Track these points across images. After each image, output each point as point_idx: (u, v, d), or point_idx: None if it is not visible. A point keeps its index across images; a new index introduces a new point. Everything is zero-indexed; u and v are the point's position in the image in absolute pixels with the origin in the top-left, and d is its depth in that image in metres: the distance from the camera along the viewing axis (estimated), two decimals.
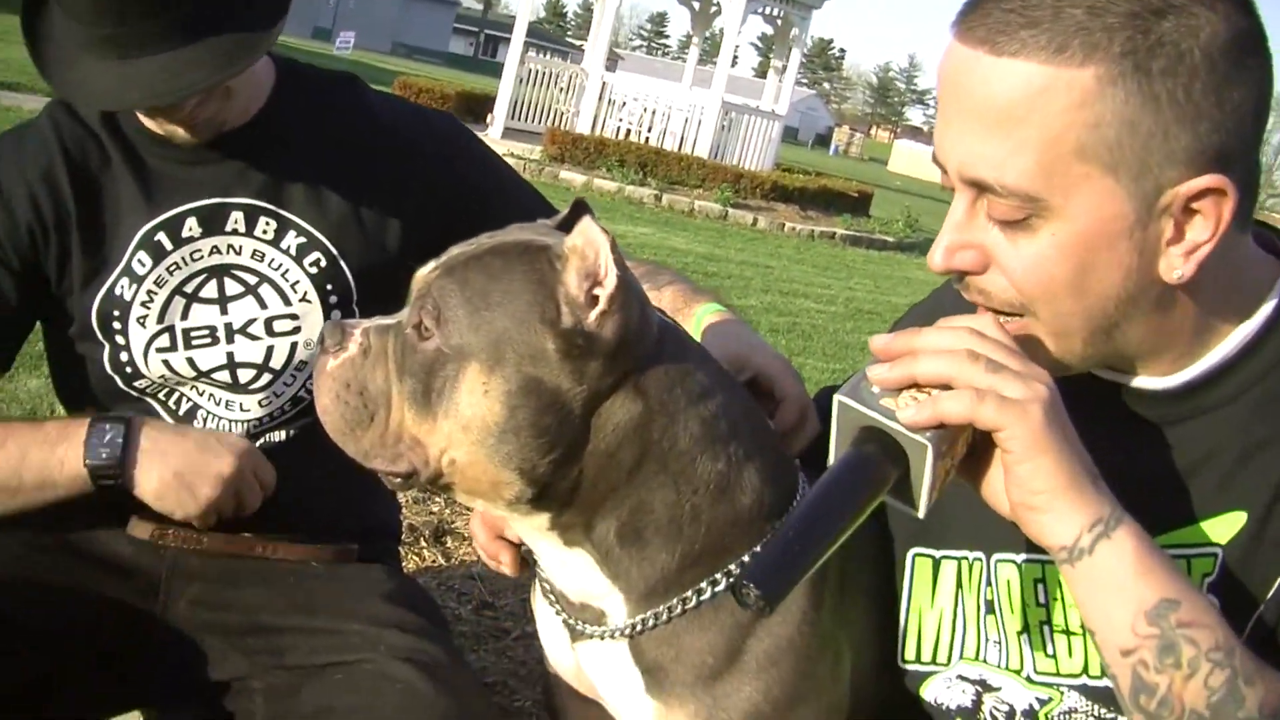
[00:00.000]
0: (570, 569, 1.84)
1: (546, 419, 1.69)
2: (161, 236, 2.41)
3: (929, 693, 1.91)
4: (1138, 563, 1.49)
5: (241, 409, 2.49)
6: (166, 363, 2.44)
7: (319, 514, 2.54)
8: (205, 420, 2.49)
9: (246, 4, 2.23)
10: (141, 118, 2.34)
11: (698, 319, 2.17)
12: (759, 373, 2.07)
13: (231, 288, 2.45)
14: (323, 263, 2.46)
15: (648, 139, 24.85)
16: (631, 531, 1.77)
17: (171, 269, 2.42)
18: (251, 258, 2.45)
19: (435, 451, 1.73)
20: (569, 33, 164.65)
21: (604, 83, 25.46)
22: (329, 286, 2.47)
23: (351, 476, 2.59)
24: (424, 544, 4.40)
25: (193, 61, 2.16)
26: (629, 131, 25.25)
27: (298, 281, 2.46)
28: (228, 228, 2.44)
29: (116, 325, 2.41)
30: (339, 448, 2.39)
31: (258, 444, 2.50)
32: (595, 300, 1.69)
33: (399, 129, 2.56)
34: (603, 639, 1.86)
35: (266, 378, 2.48)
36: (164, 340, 2.43)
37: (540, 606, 2.01)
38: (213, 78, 2.18)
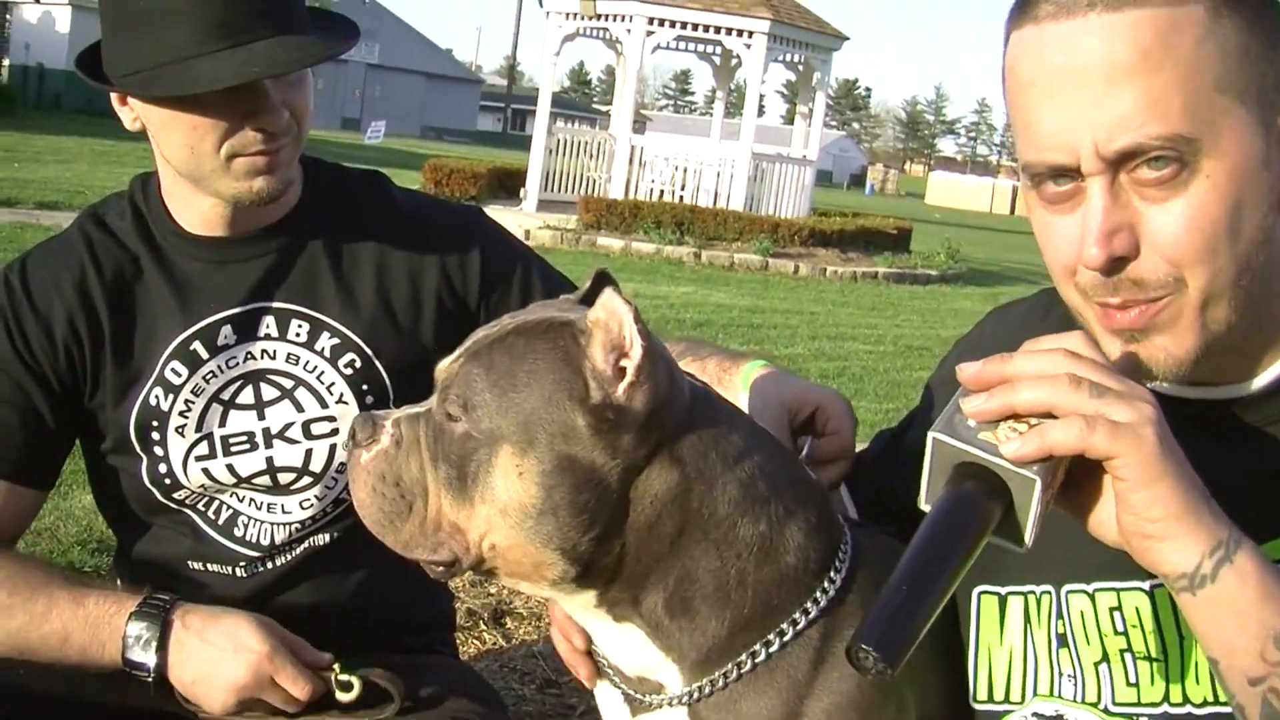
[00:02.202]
0: (623, 643, 1.81)
1: (584, 496, 1.67)
2: (197, 345, 2.41)
3: None
4: (1262, 586, 1.42)
5: (284, 511, 2.48)
6: (206, 471, 2.43)
7: (371, 614, 2.52)
8: (246, 526, 2.48)
9: (330, 20, 2.44)
10: (216, 174, 2.31)
11: (744, 378, 2.17)
12: (817, 407, 2.08)
13: (268, 392, 2.45)
14: (357, 363, 2.46)
15: (681, 197, 24.90)
16: (679, 602, 1.74)
17: (208, 377, 2.43)
18: (286, 361, 2.45)
19: (475, 537, 1.72)
20: (595, 99, 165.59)
21: (633, 146, 25.54)
22: (365, 386, 2.47)
23: (400, 572, 2.58)
24: (484, 627, 4.38)
25: (299, 44, 2.28)
26: (662, 192, 25.31)
27: (333, 383, 2.46)
28: (261, 333, 2.44)
29: (155, 436, 2.41)
30: (384, 545, 2.41)
31: (302, 547, 2.50)
32: (623, 372, 1.67)
33: (423, 224, 2.57)
34: (662, 709, 1.83)
35: (307, 480, 2.47)
36: (203, 448, 2.43)
37: (600, 685, 1.98)
38: (323, 54, 2.30)
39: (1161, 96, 1.47)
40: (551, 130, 25.67)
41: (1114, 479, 1.44)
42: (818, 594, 1.77)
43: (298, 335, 2.45)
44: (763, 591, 1.75)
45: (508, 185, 25.89)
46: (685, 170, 25.53)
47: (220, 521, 2.48)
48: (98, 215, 2.49)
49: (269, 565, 2.50)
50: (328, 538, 2.52)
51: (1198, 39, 1.47)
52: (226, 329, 2.43)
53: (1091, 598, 1.75)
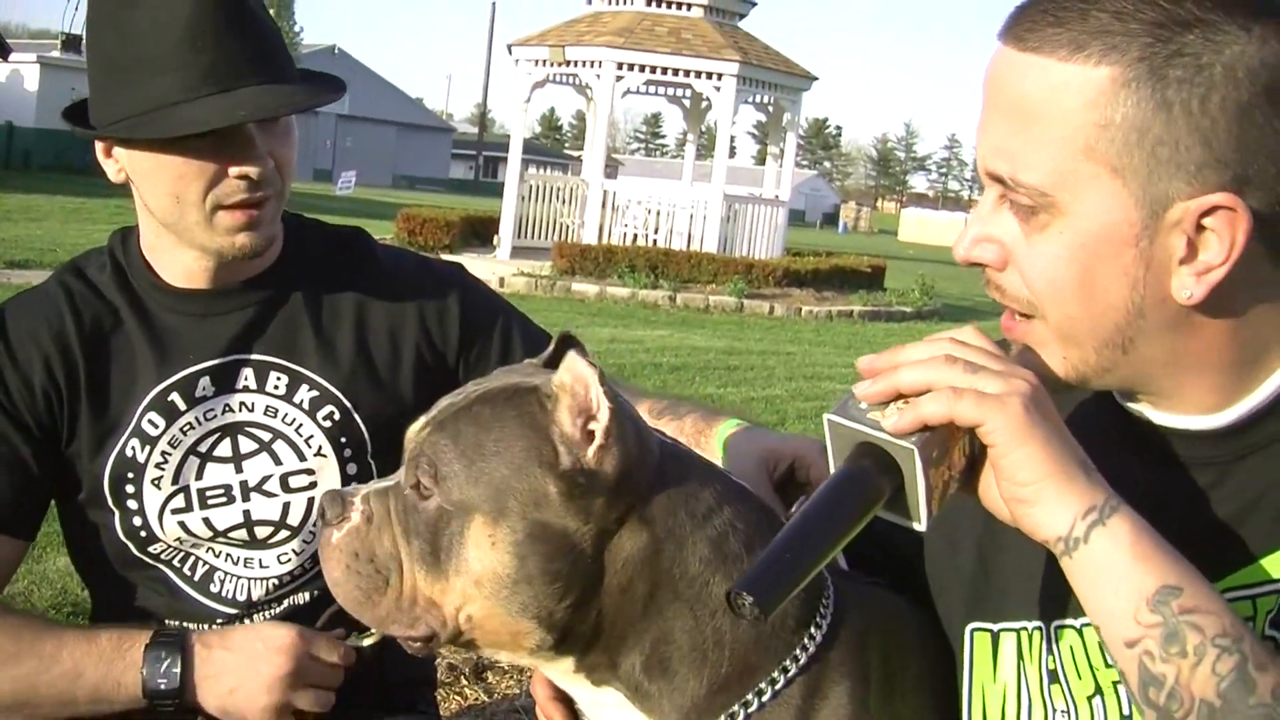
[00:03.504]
0: (604, 707, 1.78)
1: (558, 563, 1.65)
2: (175, 397, 2.40)
3: None
4: (1136, 549, 1.47)
5: (261, 565, 2.46)
6: (183, 524, 2.41)
7: (354, 674, 2.47)
8: (223, 582, 2.45)
9: (316, 76, 2.50)
10: (203, 224, 2.32)
11: (719, 438, 2.17)
12: (795, 458, 2.09)
13: (245, 445, 2.44)
14: (336, 415, 2.45)
15: (655, 241, 24.97)
16: (657, 664, 1.71)
17: (185, 429, 2.41)
18: (265, 414, 2.44)
19: (451, 610, 1.69)
20: (566, 144, 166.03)
21: (605, 190, 25.61)
22: (343, 439, 2.46)
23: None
24: (465, 682, 4.35)
25: (287, 91, 2.32)
26: (636, 236, 25.37)
27: (312, 436, 2.44)
28: (239, 385, 2.44)
29: (129, 489, 2.39)
30: None
31: (281, 607, 2.47)
32: (591, 436, 1.65)
33: (403, 279, 2.57)
34: None
35: (284, 534, 2.45)
36: (179, 501, 2.41)
37: None
38: (308, 101, 2.34)
39: (1030, 145, 1.52)
40: (524, 177, 25.77)
41: (988, 448, 1.50)
42: (797, 651, 1.74)
43: (276, 388, 2.44)
44: (740, 650, 1.72)
45: (481, 233, 25.95)
46: (658, 213, 25.60)
47: (196, 577, 2.46)
48: (77, 267, 2.49)
49: (247, 624, 2.45)
50: (308, 596, 2.49)
51: (1083, 103, 1.48)
52: (204, 380, 2.42)
53: (1080, 633, 1.74)
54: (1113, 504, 1.48)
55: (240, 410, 2.43)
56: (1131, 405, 1.70)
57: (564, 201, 26.11)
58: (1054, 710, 1.78)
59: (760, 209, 25.95)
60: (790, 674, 1.73)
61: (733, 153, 26.62)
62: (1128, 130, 1.48)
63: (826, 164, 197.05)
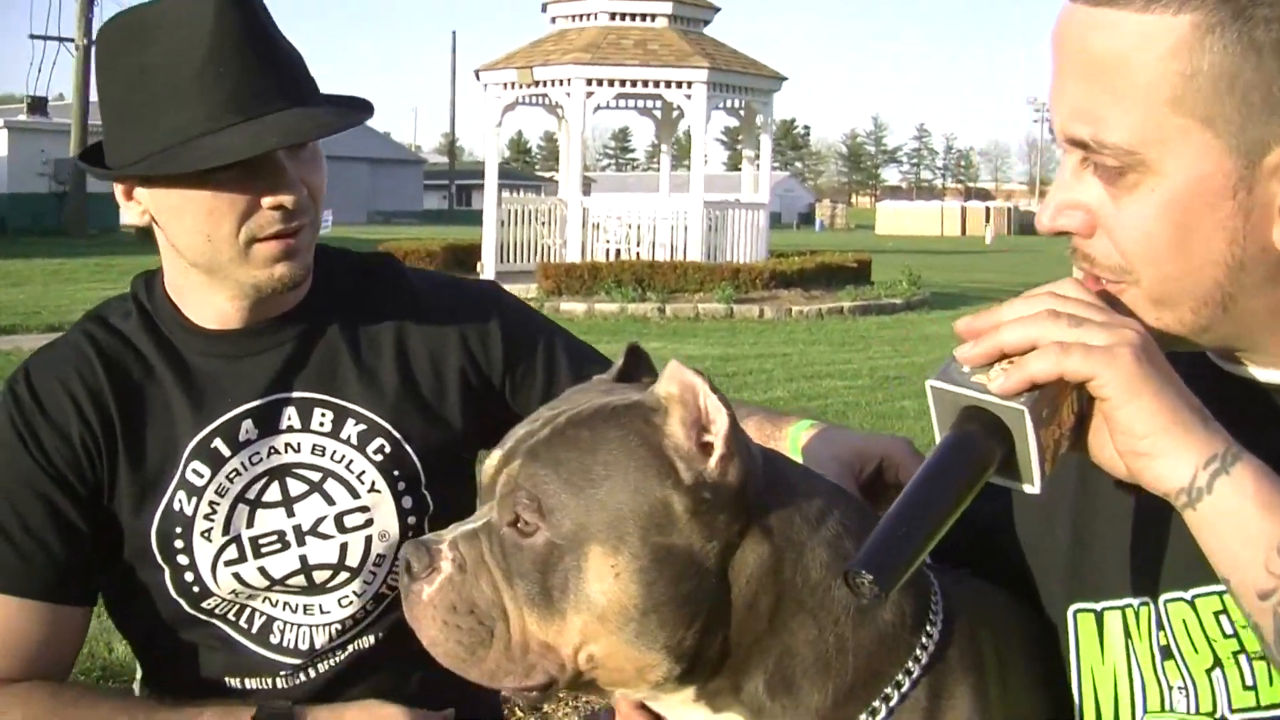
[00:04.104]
0: None
1: (685, 586, 1.55)
2: (218, 443, 2.30)
3: None
4: (1261, 496, 1.40)
5: (322, 611, 2.36)
6: (237, 575, 2.31)
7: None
8: (283, 632, 2.35)
9: (341, 98, 2.37)
10: (233, 258, 2.22)
11: (792, 442, 2.09)
12: (883, 458, 2.00)
13: (295, 487, 2.34)
14: (387, 448, 2.35)
15: (638, 254, 24.94)
16: (780, 681, 1.63)
17: (232, 476, 2.30)
18: (312, 453, 2.34)
19: (569, 651, 1.57)
20: (536, 166, 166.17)
21: (584, 208, 25.59)
22: (396, 472, 2.36)
23: (453, 673, 2.48)
24: (520, 713, 4.24)
25: (316, 114, 2.21)
26: (619, 251, 25.37)
27: (364, 471, 2.35)
28: (283, 425, 2.33)
29: (179, 544, 2.28)
30: None
31: (345, 653, 2.38)
32: (707, 448, 1.56)
33: (440, 302, 2.48)
34: None
35: (344, 575, 2.35)
36: (232, 552, 2.30)
37: None
38: (338, 123, 2.23)
39: (1112, 103, 1.46)
40: (501, 201, 25.68)
41: (1099, 402, 1.44)
42: (918, 651, 1.66)
43: (321, 425, 2.35)
44: (863, 656, 1.64)
45: (464, 260, 25.89)
46: (639, 227, 25.59)
47: (254, 630, 2.36)
48: (100, 317, 2.38)
49: (312, 673, 2.37)
50: (373, 639, 2.39)
51: (1165, 53, 1.42)
52: (247, 423, 2.32)
53: (1192, 604, 1.68)
54: (1234, 452, 1.42)
55: (286, 451, 2.33)
56: (1228, 366, 1.65)
57: (543, 223, 26.11)
58: (1169, 688, 1.71)
59: (741, 213, 25.96)
60: (914, 676, 1.65)
61: (705, 160, 26.58)
62: (1215, 78, 1.42)
63: (798, 164, 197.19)
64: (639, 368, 1.82)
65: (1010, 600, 1.85)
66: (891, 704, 1.64)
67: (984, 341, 1.47)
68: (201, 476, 2.29)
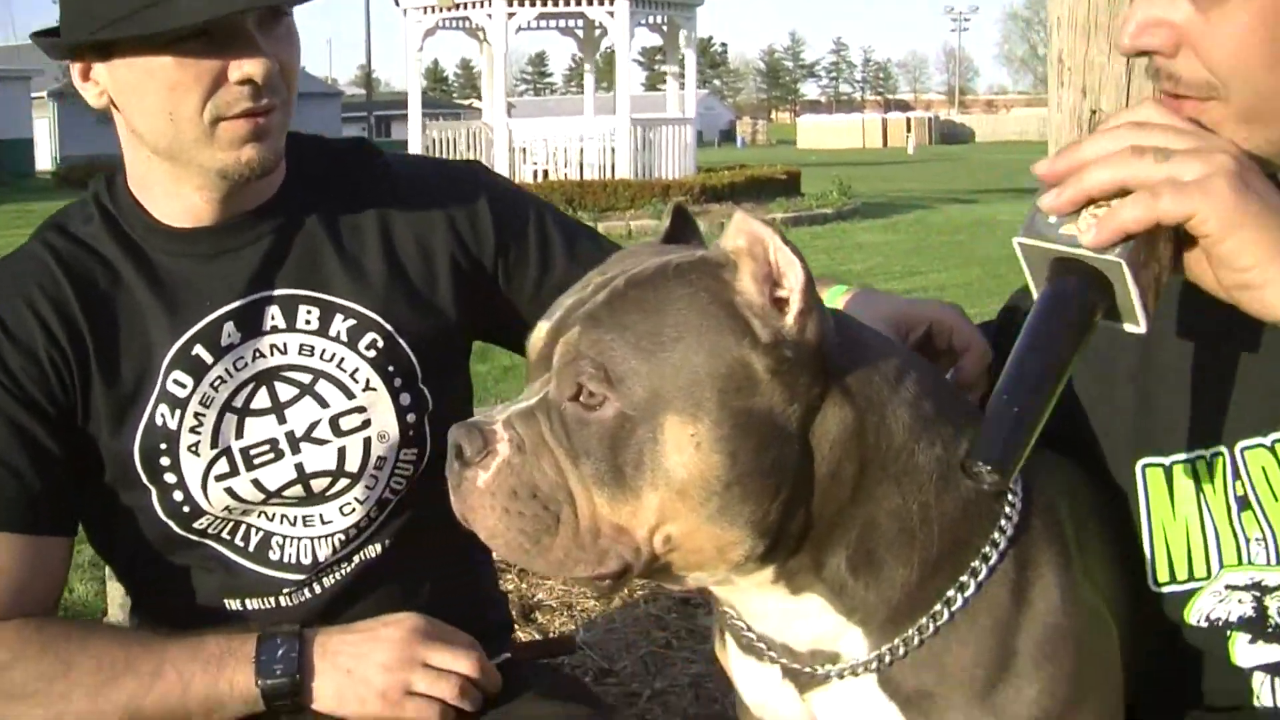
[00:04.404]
0: (797, 617, 1.59)
1: (769, 454, 1.44)
2: (199, 350, 2.13)
3: (1195, 613, 1.71)
4: None
5: (322, 521, 2.21)
6: (230, 490, 2.15)
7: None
8: (282, 547, 2.21)
9: None
10: (214, 129, 2.03)
11: (829, 301, 1.95)
12: (933, 323, 1.88)
13: (285, 392, 2.18)
14: (379, 343, 2.19)
15: (566, 175, 24.74)
16: (863, 556, 1.53)
17: (216, 384, 2.14)
18: (300, 354, 2.18)
19: (645, 533, 1.46)
20: (454, 95, 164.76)
21: (510, 131, 25.35)
22: (391, 368, 2.20)
23: (463, 576, 2.36)
24: (516, 627, 4.11)
25: None
26: (546, 173, 25.15)
27: (357, 370, 2.19)
28: (266, 326, 2.16)
29: (165, 461, 2.12)
30: (443, 550, 2.17)
31: (352, 564, 2.24)
32: (780, 303, 1.45)
33: (424, 185, 2.31)
34: (845, 679, 1.61)
35: (344, 482, 2.20)
36: (223, 465, 2.15)
37: (743, 663, 1.75)
38: None
39: None
40: (425, 129, 25.39)
41: (1200, 238, 1.38)
42: (1002, 521, 1.57)
43: (308, 322, 2.18)
44: (948, 524, 1.55)
45: None
46: (565, 149, 25.39)
47: (251, 547, 2.21)
48: (58, 224, 2.19)
49: (317, 588, 2.23)
50: (379, 548, 2.26)
51: None
52: (229, 326, 2.15)
53: (1272, 449, 1.62)
54: None
55: (272, 354, 2.17)
56: None
57: (469, 149, 25.79)
58: (1247, 540, 1.66)
59: (669, 130, 25.83)
60: (1001, 547, 1.57)
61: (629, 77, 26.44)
62: None
63: (716, 82, 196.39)
64: (686, 230, 1.70)
65: (1068, 462, 1.78)
66: (980, 577, 1.56)
67: (1068, 189, 1.40)
68: (184, 387, 2.12)
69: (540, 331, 1.56)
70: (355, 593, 2.25)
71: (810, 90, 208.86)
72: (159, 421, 2.11)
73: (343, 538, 2.22)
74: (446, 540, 2.29)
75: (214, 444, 2.14)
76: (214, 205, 2.13)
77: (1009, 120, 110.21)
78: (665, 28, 26.60)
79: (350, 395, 2.19)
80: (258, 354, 2.16)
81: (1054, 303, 1.41)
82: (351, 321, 2.19)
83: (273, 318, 2.17)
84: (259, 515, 2.20)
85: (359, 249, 2.23)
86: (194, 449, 2.13)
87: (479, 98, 31.97)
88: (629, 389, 1.43)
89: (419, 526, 2.26)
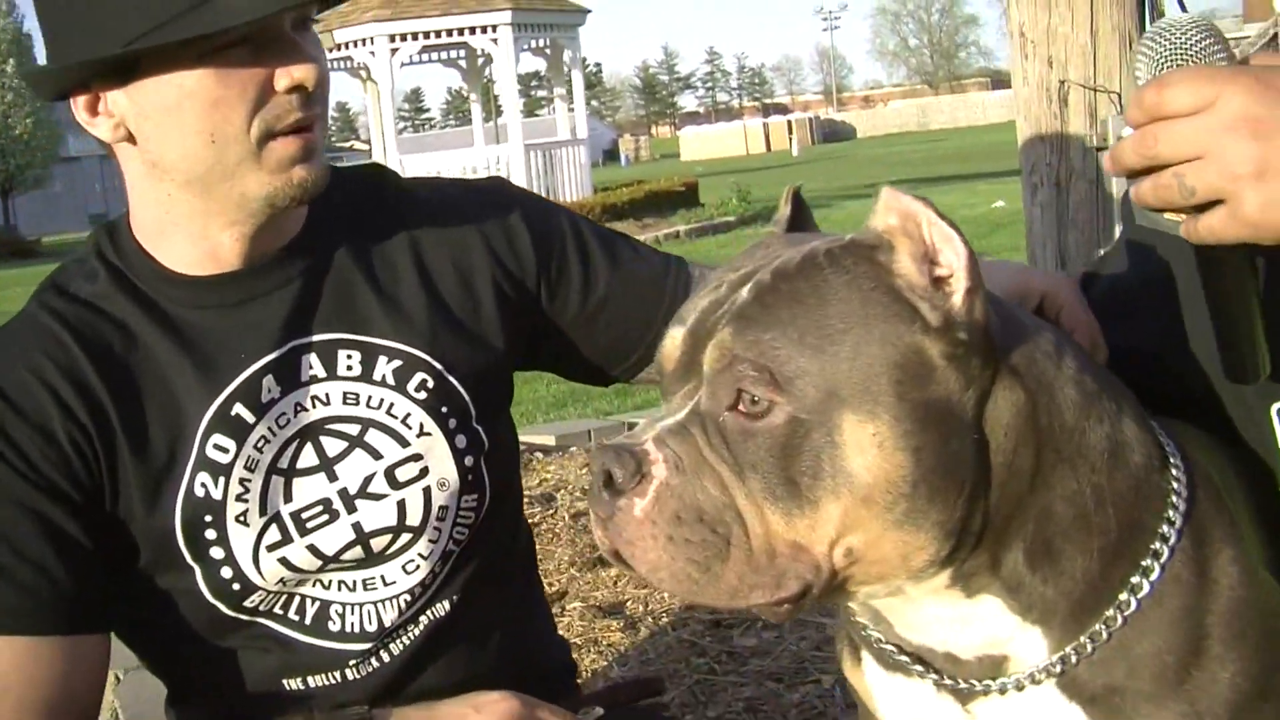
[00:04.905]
0: (969, 622, 1.46)
1: (951, 447, 1.32)
2: (239, 409, 1.93)
3: None
4: None
5: (385, 583, 2.02)
6: (284, 560, 1.95)
7: (516, 678, 2.04)
8: (342, 616, 2.01)
9: None
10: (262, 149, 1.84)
11: None
12: (1044, 294, 1.74)
13: (332, 446, 1.98)
14: (429, 383, 2.01)
15: None
16: (1041, 548, 1.41)
17: (260, 444, 1.94)
18: (344, 403, 1.99)
19: (825, 547, 1.32)
20: (333, 138, 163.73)
21: (404, 167, 25.14)
22: (444, 409, 2.02)
23: (529, 623, 2.22)
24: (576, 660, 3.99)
25: None
26: None
27: (409, 414, 2.00)
28: (305, 376, 1.97)
29: (211, 534, 1.91)
30: (507, 597, 2.02)
31: (421, 625, 2.05)
32: (940, 282, 1.33)
33: (452, 207, 2.13)
34: (1023, 690, 1.48)
35: (405, 538, 2.01)
36: (274, 534, 1.94)
37: (887, 681, 1.61)
38: None
39: None
40: None
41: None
42: (1172, 497, 1.46)
43: (350, 368, 1.99)
44: (1123, 506, 1.44)
45: None
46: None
47: (308, 620, 2.00)
48: (56, 285, 1.97)
49: (385, 656, 2.04)
50: (447, 605, 2.07)
51: None
52: (268, 380, 1.94)
53: None
54: None
55: (315, 406, 1.97)
56: None
57: None
58: None
59: (562, 152, 25.74)
60: (1178, 525, 1.46)
61: (499, 111, 26.48)
62: None
63: (594, 102, 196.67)
64: (803, 217, 1.58)
65: (1202, 432, 1.66)
66: (1162, 559, 1.44)
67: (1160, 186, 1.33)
68: (225, 451, 1.91)
69: (675, 339, 1.42)
70: (425, 656, 2.07)
71: (688, 102, 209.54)
72: (200, 491, 1.91)
73: (408, 598, 2.03)
74: (509, 587, 2.15)
75: (263, 510, 1.94)
76: (242, 244, 1.94)
77: (888, 114, 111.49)
78: (549, 50, 26.55)
79: (404, 443, 2.00)
80: (299, 408, 1.97)
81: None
82: (397, 363, 2.01)
83: (311, 366, 1.98)
84: (314, 584, 2.00)
85: (394, 283, 2.04)
86: (242, 518, 1.93)
87: (359, 139, 31.64)
88: (800, 390, 1.30)
89: (484, 576, 2.10)
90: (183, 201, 1.89)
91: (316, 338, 1.98)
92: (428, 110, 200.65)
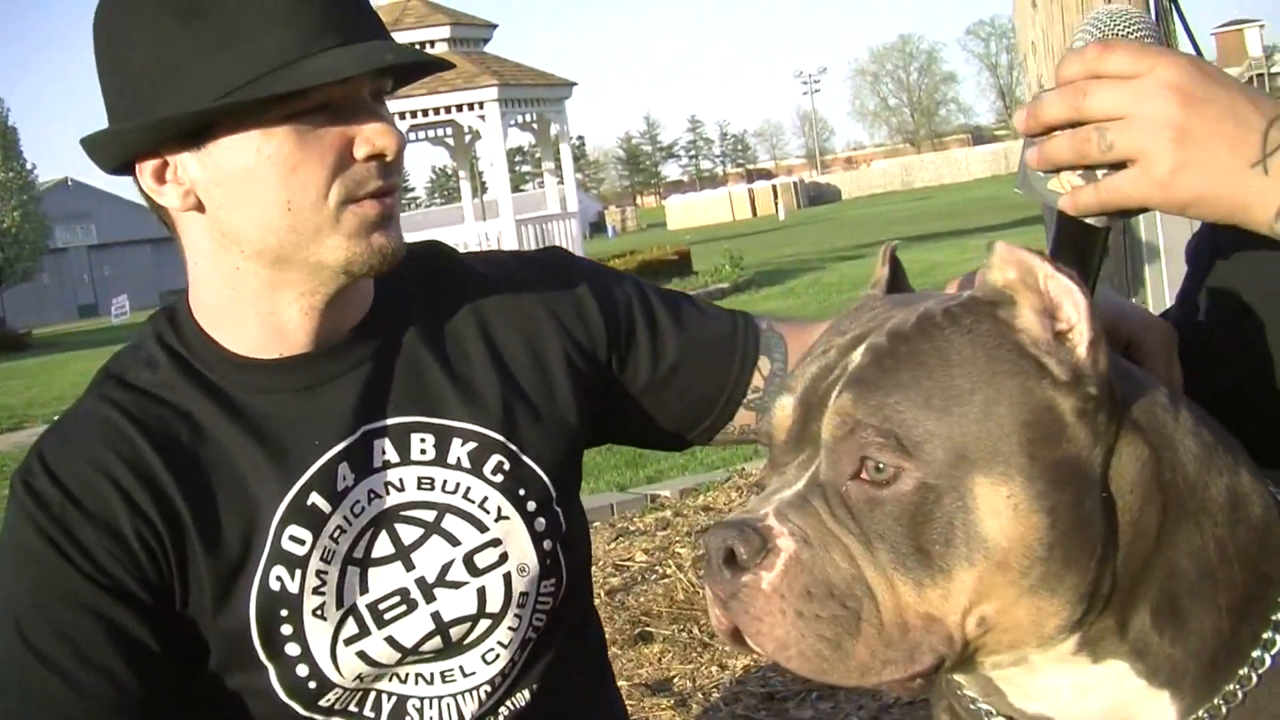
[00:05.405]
0: (1092, 689, 1.39)
1: (1084, 507, 1.27)
2: (315, 499, 1.86)
3: None
4: None
5: (464, 674, 1.95)
6: (362, 654, 1.88)
7: None
8: (420, 711, 1.94)
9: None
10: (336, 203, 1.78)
11: None
12: (1130, 340, 1.64)
13: (408, 534, 1.92)
14: (506, 465, 1.96)
15: None
16: (1167, 608, 1.35)
17: (336, 535, 1.87)
18: (419, 489, 1.93)
19: (958, 617, 1.27)
20: None
21: None
22: (521, 492, 1.95)
23: (603, 709, 2.17)
24: None
25: (406, 48, 1.84)
26: None
27: (486, 498, 1.94)
28: (377, 463, 1.91)
29: (287, 630, 1.84)
30: (583, 685, 1.97)
31: (499, 717, 1.99)
32: (1063, 336, 1.29)
33: (517, 282, 2.08)
34: None
35: (484, 626, 1.94)
36: (351, 627, 1.87)
37: None
38: (443, 62, 1.90)
39: None
40: None
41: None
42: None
43: (424, 452, 1.93)
44: (1247, 560, 1.38)
45: None
46: None
47: (384, 716, 1.93)
48: (114, 376, 1.90)
49: None
50: (527, 694, 2.01)
51: None
52: (343, 468, 1.88)
53: None
54: None
55: (389, 493, 1.90)
56: None
57: None
58: None
59: (554, 225, 25.76)
60: None
61: (485, 188, 26.50)
62: None
63: (579, 175, 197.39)
64: (900, 276, 1.54)
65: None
66: None
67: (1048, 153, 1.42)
68: (301, 544, 1.85)
69: (785, 409, 1.37)
70: None
71: (672, 171, 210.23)
72: (275, 585, 1.84)
73: (488, 689, 1.97)
74: (585, 673, 2.09)
75: (339, 603, 1.87)
76: (311, 320, 1.87)
77: (871, 174, 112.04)
78: (536, 125, 26.63)
79: (482, 528, 1.94)
80: (373, 495, 1.90)
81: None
82: (472, 445, 1.95)
83: (384, 452, 1.92)
84: (391, 679, 1.94)
85: (465, 363, 1.99)
86: (319, 612, 1.86)
87: None
88: (928, 454, 1.25)
89: (561, 663, 2.04)
90: (251, 274, 1.83)
91: (390, 421, 1.93)
92: (413, 190, 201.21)
